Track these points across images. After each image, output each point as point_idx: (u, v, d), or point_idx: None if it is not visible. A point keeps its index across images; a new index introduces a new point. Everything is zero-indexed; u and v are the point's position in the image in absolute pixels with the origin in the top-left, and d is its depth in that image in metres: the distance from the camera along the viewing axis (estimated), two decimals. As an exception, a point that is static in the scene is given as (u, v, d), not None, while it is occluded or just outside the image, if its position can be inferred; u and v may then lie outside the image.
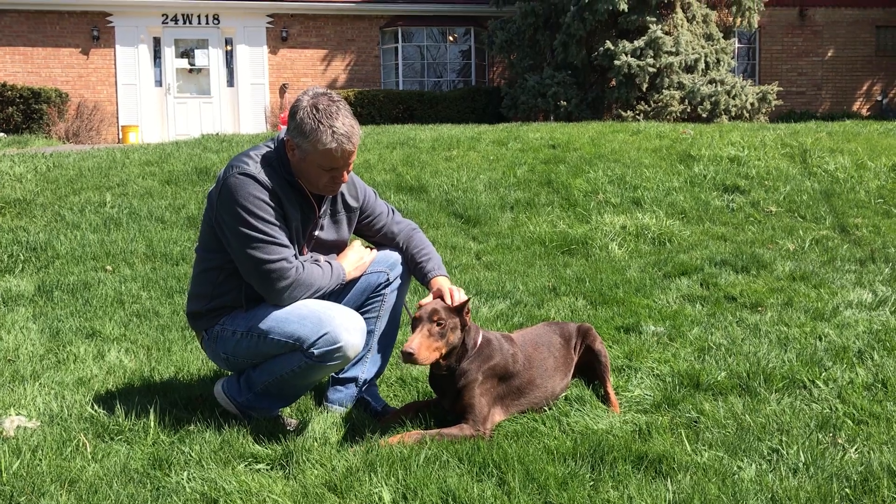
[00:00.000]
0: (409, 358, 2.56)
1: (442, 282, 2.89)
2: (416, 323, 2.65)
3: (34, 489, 2.26)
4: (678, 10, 14.84)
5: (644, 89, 14.22)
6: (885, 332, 3.80)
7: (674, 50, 14.23)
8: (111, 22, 16.71)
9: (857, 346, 3.58)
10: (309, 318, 2.62)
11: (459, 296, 2.77)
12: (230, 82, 17.48)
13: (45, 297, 4.82)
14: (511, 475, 2.31)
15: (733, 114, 14.41)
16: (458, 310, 2.70)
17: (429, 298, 2.79)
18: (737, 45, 17.77)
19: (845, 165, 8.65)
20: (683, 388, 3.10)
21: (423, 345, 2.58)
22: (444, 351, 2.67)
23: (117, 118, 16.79)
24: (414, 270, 3.02)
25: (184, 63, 17.24)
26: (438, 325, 2.63)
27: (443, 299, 2.75)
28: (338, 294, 2.88)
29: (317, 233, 2.85)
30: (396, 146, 9.44)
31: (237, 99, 17.42)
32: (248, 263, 2.64)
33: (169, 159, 8.79)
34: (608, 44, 14.15)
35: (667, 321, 4.11)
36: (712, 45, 15.00)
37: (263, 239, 2.61)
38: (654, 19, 14.32)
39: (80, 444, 2.57)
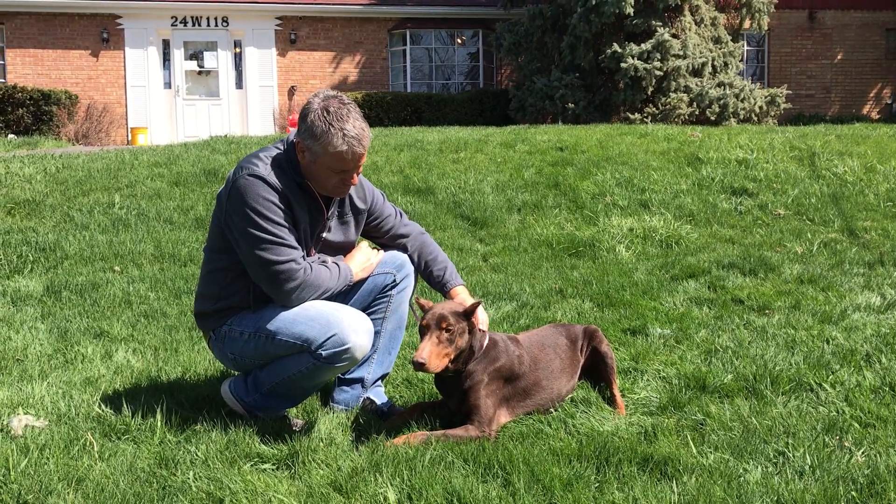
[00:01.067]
0: (420, 367, 2.57)
1: (461, 291, 2.96)
2: (424, 330, 2.65)
3: (42, 488, 2.27)
4: (686, 13, 14.81)
5: (650, 92, 14.20)
6: (893, 335, 3.78)
7: (681, 53, 14.20)
8: (121, 24, 16.80)
9: (864, 350, 3.57)
10: (317, 319, 2.63)
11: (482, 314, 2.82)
12: (239, 84, 17.54)
13: (54, 298, 4.84)
14: (516, 476, 2.31)
15: (742, 117, 14.37)
16: (466, 314, 2.71)
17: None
18: (745, 47, 17.72)
19: (854, 168, 8.62)
20: (690, 391, 3.10)
21: (433, 353, 2.58)
22: (453, 356, 2.67)
23: (126, 120, 16.87)
24: (428, 278, 3.06)
25: (193, 65, 17.31)
26: (447, 331, 2.63)
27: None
28: (345, 295, 2.88)
29: (324, 234, 2.85)
30: (404, 148, 9.45)
31: (246, 101, 17.47)
32: (257, 264, 2.64)
33: (177, 161, 8.83)
34: (615, 46, 14.12)
35: (674, 324, 4.10)
36: (720, 49, 14.96)
37: (272, 240, 2.62)
38: (661, 23, 14.28)
39: (88, 444, 2.58)
